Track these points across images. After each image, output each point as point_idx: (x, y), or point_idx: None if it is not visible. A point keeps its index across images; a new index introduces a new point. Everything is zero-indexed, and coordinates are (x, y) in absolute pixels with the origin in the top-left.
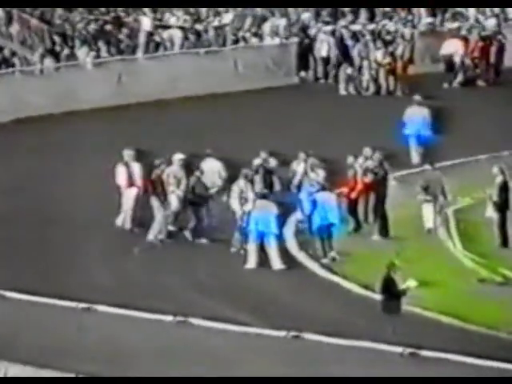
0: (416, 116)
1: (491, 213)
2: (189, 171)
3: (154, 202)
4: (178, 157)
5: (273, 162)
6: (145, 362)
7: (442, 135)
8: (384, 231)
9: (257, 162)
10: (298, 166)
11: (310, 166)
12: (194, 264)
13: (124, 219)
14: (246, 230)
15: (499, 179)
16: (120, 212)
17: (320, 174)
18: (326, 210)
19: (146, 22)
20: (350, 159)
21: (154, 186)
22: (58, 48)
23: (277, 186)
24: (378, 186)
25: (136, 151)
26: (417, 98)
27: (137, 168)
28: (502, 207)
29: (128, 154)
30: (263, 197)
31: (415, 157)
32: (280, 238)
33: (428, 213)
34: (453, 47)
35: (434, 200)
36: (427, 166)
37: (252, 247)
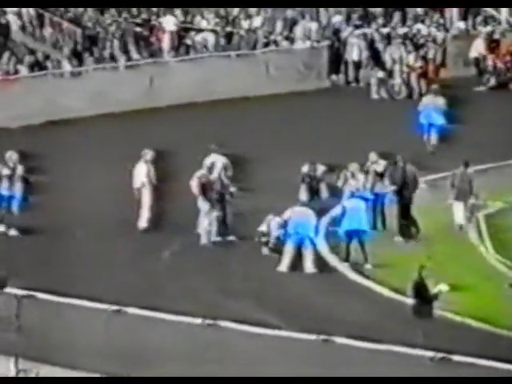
0: (431, 105)
1: None
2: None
3: (204, 206)
4: (210, 160)
5: (320, 169)
6: (173, 364)
7: (458, 125)
8: (409, 233)
9: (304, 169)
10: (341, 173)
11: (351, 172)
12: (223, 266)
13: (144, 220)
14: (284, 235)
15: None
16: (140, 213)
17: (360, 179)
18: (354, 217)
19: (170, 20)
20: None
21: (203, 190)
22: (89, 50)
23: (324, 193)
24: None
25: (155, 151)
26: (434, 87)
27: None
28: None
29: (148, 153)
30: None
31: (431, 144)
32: (315, 243)
33: (458, 210)
34: (479, 49)
35: (464, 198)
36: (461, 167)
37: (288, 249)
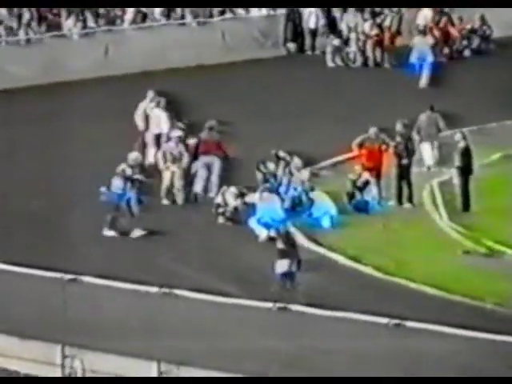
0: (421, 44)
1: (455, 178)
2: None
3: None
4: (176, 134)
5: (298, 163)
6: (130, 333)
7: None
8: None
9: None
10: (279, 168)
11: (295, 167)
12: (180, 235)
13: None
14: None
15: (461, 145)
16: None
17: (304, 174)
18: (322, 206)
19: None
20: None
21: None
22: (44, 17)
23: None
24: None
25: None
26: (421, 28)
27: (163, 115)
28: (464, 172)
29: (156, 100)
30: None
31: (423, 81)
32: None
33: (426, 152)
34: (426, 18)
35: (431, 139)
36: (427, 111)
37: (263, 236)
